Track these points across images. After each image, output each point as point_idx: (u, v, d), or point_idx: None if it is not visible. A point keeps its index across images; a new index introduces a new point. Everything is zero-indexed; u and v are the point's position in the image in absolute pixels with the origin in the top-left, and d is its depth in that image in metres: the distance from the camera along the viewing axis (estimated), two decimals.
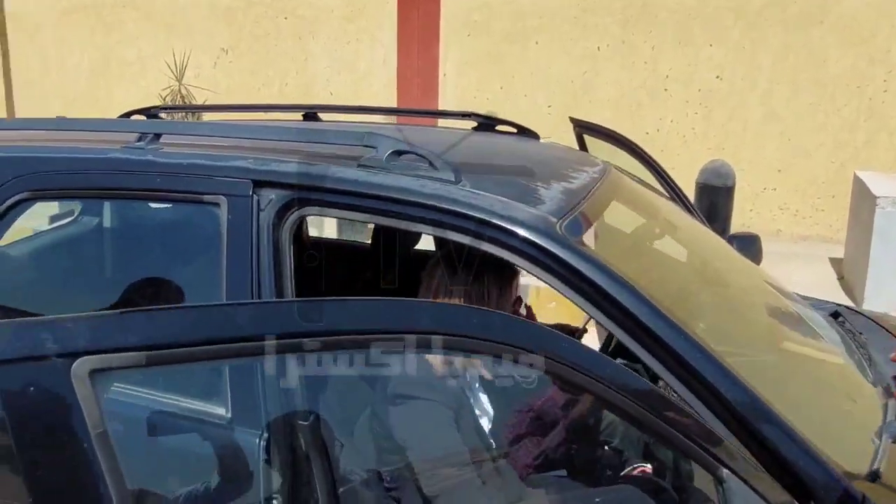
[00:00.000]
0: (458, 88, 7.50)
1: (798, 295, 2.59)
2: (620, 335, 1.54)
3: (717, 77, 6.86)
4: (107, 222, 2.03)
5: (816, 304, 2.71)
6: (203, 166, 1.79)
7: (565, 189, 1.85)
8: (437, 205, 1.64)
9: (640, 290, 1.55)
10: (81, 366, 0.86)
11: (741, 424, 1.47)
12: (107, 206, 1.98)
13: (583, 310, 1.57)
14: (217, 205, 1.74)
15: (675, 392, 1.52)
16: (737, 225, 7.02)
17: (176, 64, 7.83)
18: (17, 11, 9.22)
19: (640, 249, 2.08)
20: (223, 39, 8.29)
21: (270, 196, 1.72)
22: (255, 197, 1.72)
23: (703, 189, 5.55)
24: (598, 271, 1.56)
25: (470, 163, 1.91)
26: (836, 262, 6.19)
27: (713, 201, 5.57)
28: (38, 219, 2.39)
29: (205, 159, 1.81)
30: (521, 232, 1.59)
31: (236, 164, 1.77)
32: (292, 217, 1.72)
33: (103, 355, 0.88)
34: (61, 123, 2.37)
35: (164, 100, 7.63)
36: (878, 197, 5.14)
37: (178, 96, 7.70)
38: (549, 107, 7.29)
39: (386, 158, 1.75)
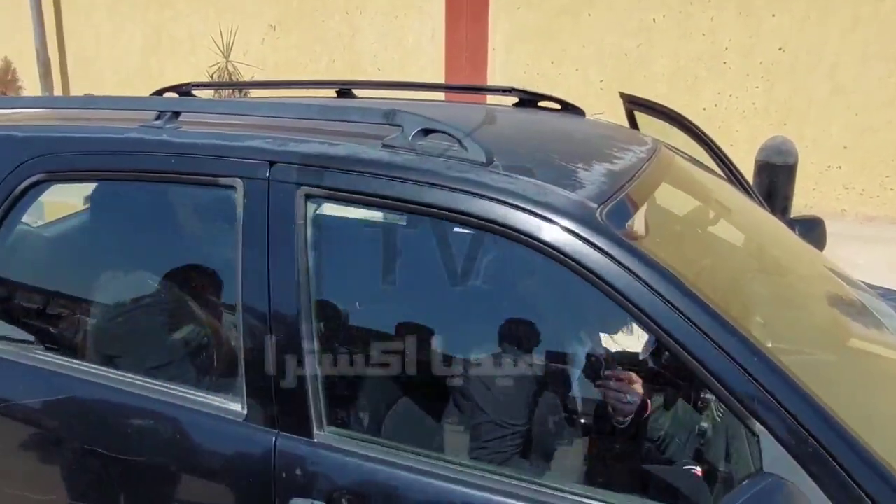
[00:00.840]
0: (507, 63, 7.30)
1: (866, 284, 2.39)
2: (666, 340, 1.38)
3: (780, 49, 6.52)
4: (124, 204, 1.94)
5: (886, 294, 2.50)
6: (218, 146, 1.68)
7: (608, 171, 1.69)
8: (465, 188, 1.50)
9: (689, 286, 1.40)
10: (301, 190, 1.59)
11: (798, 434, 1.31)
12: (124, 187, 1.89)
13: (624, 310, 1.42)
14: (233, 187, 1.63)
15: (732, 409, 1.36)
16: (799, 205, 6.70)
17: (223, 41, 7.79)
18: None
19: (692, 237, 1.91)
20: (271, 15, 8.21)
21: (288, 178, 1.61)
22: (272, 179, 1.61)
23: (763, 167, 5.27)
24: (644, 265, 1.41)
25: (504, 143, 1.76)
26: None
27: (773, 180, 5.29)
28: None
29: (220, 139, 1.70)
30: (557, 219, 1.45)
31: (252, 145, 1.66)
32: (311, 200, 1.60)
33: (312, 188, 1.59)
34: (87, 101, 2.30)
35: (212, 77, 7.61)
36: None
37: (225, 73, 7.66)
38: (602, 81, 7.04)
39: (412, 138, 1.62)
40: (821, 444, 1.28)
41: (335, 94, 2.61)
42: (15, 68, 9.62)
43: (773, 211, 4.78)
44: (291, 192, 1.59)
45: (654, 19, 6.79)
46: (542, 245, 1.45)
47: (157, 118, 1.83)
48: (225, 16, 8.27)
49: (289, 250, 1.58)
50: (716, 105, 6.78)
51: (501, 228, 1.48)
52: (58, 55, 9.40)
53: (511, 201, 1.47)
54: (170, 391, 1.69)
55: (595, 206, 1.49)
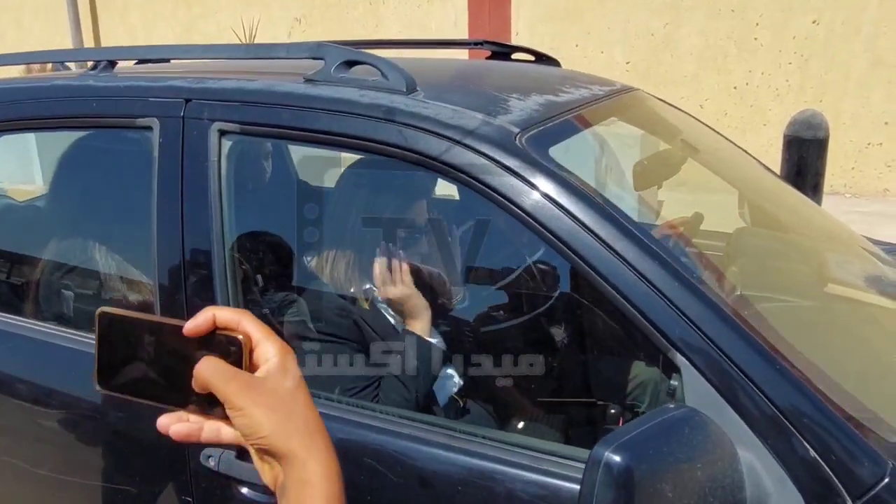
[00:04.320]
0: (530, 47, 7.16)
1: (864, 236, 2.21)
2: (580, 266, 1.26)
3: (814, 22, 6.24)
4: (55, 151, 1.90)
5: (890, 249, 2.32)
6: (135, 88, 1.63)
7: (546, 101, 1.57)
8: (376, 115, 1.40)
9: (609, 209, 1.28)
10: (214, 126, 1.51)
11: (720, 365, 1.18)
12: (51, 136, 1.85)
13: (539, 237, 1.30)
14: (150, 128, 1.57)
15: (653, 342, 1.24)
16: (837, 185, 6.41)
17: (245, 34, 7.83)
18: None
19: (648, 174, 1.78)
20: (296, 9, 8.24)
21: (202, 114, 1.53)
22: (187, 116, 1.54)
23: (792, 142, 5.02)
24: (562, 189, 1.29)
25: (440, 78, 1.67)
26: None
27: (803, 156, 5.03)
28: None
29: (139, 81, 1.64)
30: (470, 142, 1.34)
31: (169, 84, 1.60)
32: (226, 136, 1.53)
33: (225, 123, 1.51)
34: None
35: None
36: None
37: None
38: (628, 63, 6.86)
39: (334, 70, 1.53)
40: (746, 374, 1.15)
41: None
42: None
43: (804, 189, 4.54)
44: (205, 128, 1.52)
45: None
46: (454, 170, 1.35)
47: (94, 67, 1.80)
48: (252, 10, 8.33)
49: (202, 188, 1.51)
50: (747, 84, 6.54)
51: (414, 155, 1.38)
52: None
53: (422, 125, 1.37)
54: (87, 341, 1.63)
55: (516, 130, 1.38)
